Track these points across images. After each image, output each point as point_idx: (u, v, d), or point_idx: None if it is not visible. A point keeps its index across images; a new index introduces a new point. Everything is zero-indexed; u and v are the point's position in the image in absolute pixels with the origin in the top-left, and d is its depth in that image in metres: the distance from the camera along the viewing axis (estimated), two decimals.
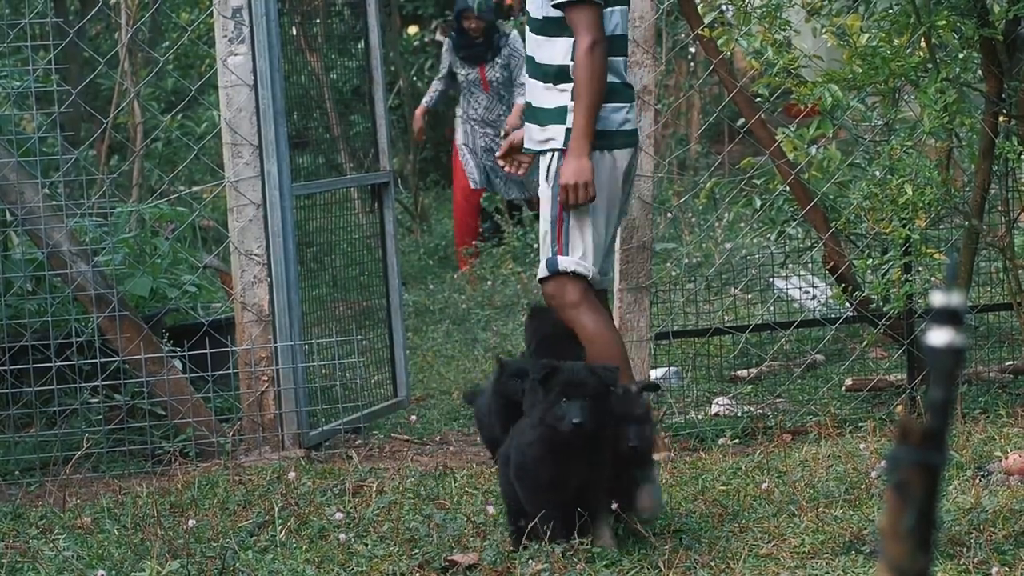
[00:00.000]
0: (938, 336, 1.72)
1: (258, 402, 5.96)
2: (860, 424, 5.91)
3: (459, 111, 11.69)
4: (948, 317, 1.72)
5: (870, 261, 6.21)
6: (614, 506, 4.41)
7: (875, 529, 4.28)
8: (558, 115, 5.39)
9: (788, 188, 6.58)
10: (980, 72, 5.89)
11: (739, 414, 6.27)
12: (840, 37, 6.48)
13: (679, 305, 7.00)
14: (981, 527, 4.29)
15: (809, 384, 6.65)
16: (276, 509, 4.82)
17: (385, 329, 6.82)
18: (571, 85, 5.35)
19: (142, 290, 6.63)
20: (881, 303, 6.28)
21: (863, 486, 4.80)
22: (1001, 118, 5.83)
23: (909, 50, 5.82)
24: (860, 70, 5.69)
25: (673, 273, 7.61)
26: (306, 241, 7.01)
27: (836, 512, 4.54)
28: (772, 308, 7.24)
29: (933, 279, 6.24)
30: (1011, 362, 6.62)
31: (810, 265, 7.76)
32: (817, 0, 6.55)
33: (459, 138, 11.63)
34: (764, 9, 6.28)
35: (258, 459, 5.83)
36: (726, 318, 7.08)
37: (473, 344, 8.74)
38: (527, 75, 5.57)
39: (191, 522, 4.66)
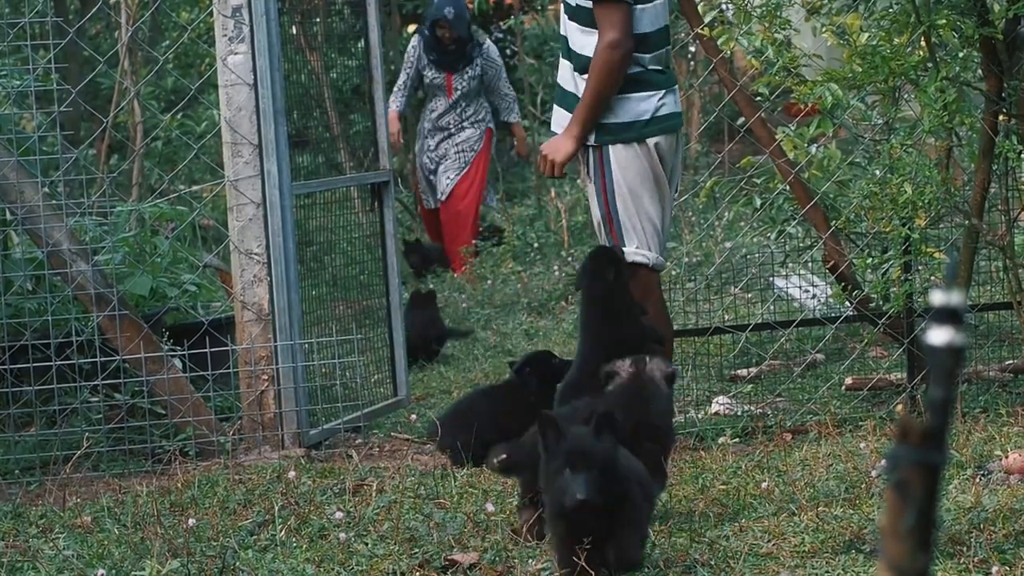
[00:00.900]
0: (938, 335, 1.72)
1: (258, 401, 5.96)
2: (860, 423, 5.91)
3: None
4: (948, 316, 1.72)
5: (870, 260, 6.21)
6: None
7: (875, 528, 4.28)
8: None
9: (788, 187, 6.58)
10: (980, 71, 5.89)
11: (739, 413, 6.26)
12: (840, 36, 6.48)
13: (679, 304, 7.01)
14: (981, 526, 4.28)
15: (809, 383, 6.64)
16: (276, 508, 4.82)
17: (385, 328, 6.82)
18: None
19: (142, 289, 6.63)
20: (881, 302, 6.28)
21: (863, 485, 4.80)
22: (1001, 117, 5.83)
23: (909, 49, 5.82)
24: (860, 69, 5.69)
25: (673, 272, 7.60)
26: (306, 240, 7.01)
27: (836, 511, 4.54)
28: (772, 307, 7.24)
29: (933, 278, 6.24)
30: (1011, 361, 6.62)
31: (810, 264, 7.76)
32: None
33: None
34: (764, 8, 6.28)
35: (258, 458, 5.83)
36: (726, 317, 7.08)
37: (473, 343, 8.74)
38: (561, 56, 5.62)
39: (191, 521, 4.66)
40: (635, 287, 5.46)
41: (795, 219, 6.87)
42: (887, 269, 6.11)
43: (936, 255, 6.10)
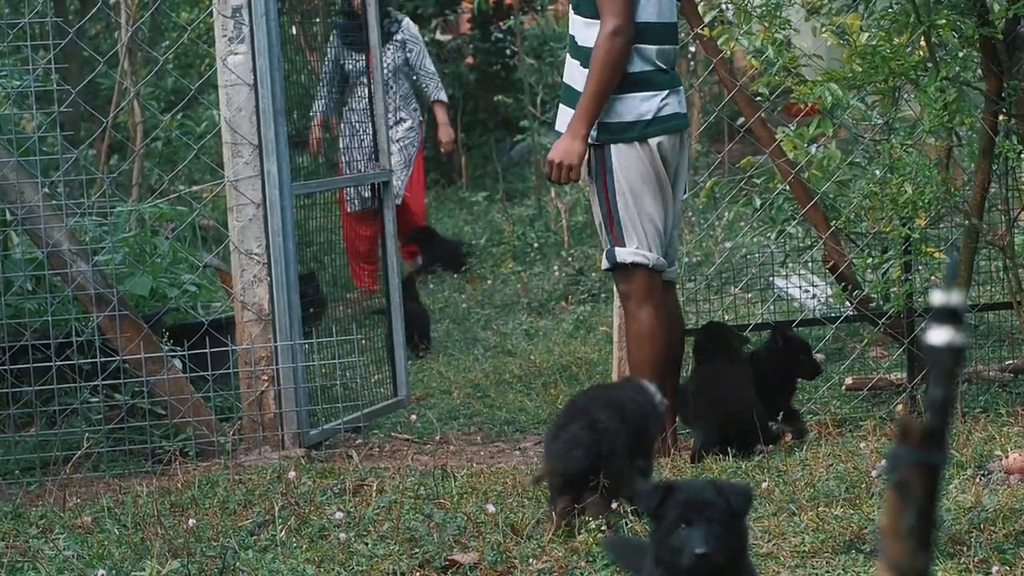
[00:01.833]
0: (938, 335, 1.72)
1: (258, 401, 5.96)
2: (860, 423, 5.91)
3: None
4: (948, 316, 1.72)
5: (870, 260, 6.21)
6: (614, 505, 4.41)
7: (875, 528, 4.28)
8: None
9: (788, 187, 6.58)
10: (980, 71, 5.89)
11: None
12: (840, 36, 6.48)
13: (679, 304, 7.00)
14: (981, 526, 4.28)
15: (809, 383, 6.65)
16: (276, 508, 4.82)
17: (385, 329, 6.82)
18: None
19: (142, 289, 6.63)
20: (881, 302, 6.28)
21: (863, 485, 4.80)
22: (1001, 117, 5.83)
23: (909, 49, 5.82)
24: (860, 69, 5.69)
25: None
26: (306, 240, 7.01)
27: (836, 511, 4.54)
28: (772, 307, 7.24)
29: (933, 278, 6.24)
30: (1011, 361, 6.62)
31: (810, 264, 7.76)
32: None
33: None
34: (764, 8, 6.28)
35: (258, 458, 5.83)
36: (726, 317, 7.07)
37: (473, 343, 8.74)
38: (568, 55, 5.56)
39: (191, 521, 4.66)
40: (635, 288, 5.46)
41: (795, 219, 6.87)
42: (887, 269, 6.12)
43: (936, 255, 6.10)
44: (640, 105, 5.42)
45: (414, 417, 6.62)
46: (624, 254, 5.45)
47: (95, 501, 5.24)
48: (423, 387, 7.54)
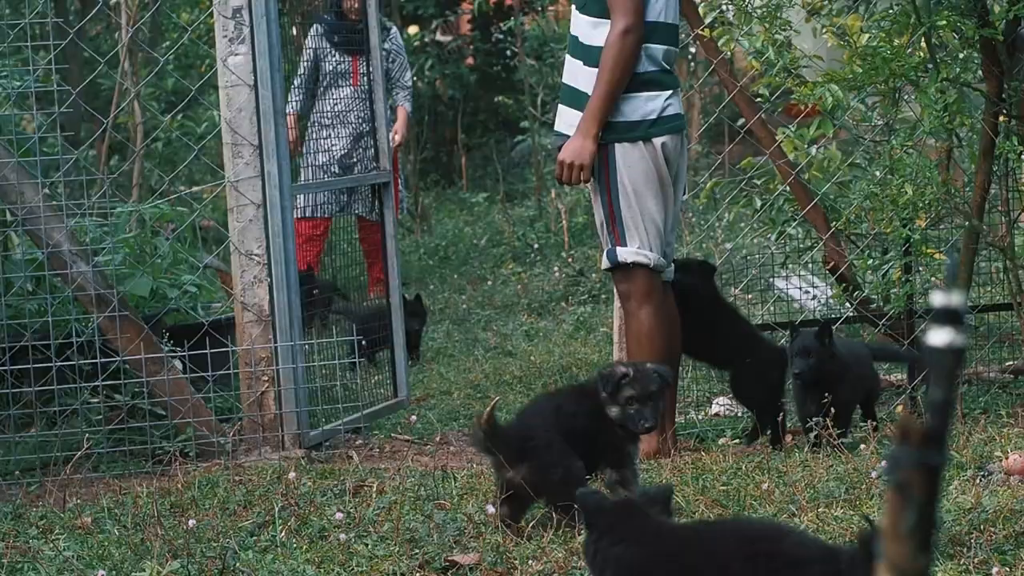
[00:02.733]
0: (938, 336, 1.72)
1: (258, 402, 5.96)
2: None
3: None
4: (948, 317, 1.72)
5: (870, 261, 6.21)
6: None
7: (875, 526, 4.27)
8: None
9: (788, 188, 6.58)
10: (980, 72, 5.89)
11: (739, 414, 6.26)
12: (840, 37, 6.48)
13: None
14: (981, 527, 4.28)
15: None
16: (276, 509, 4.81)
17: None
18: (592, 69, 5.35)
19: (142, 290, 6.63)
20: (881, 303, 6.28)
21: (863, 486, 4.80)
22: (1001, 118, 5.83)
23: (909, 50, 5.82)
24: (860, 70, 5.70)
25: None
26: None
27: (836, 512, 4.54)
28: (772, 308, 7.24)
29: (933, 279, 6.24)
30: (1011, 362, 6.62)
31: (810, 265, 7.76)
32: (817, 0, 6.55)
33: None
34: (764, 9, 6.28)
35: (258, 459, 5.83)
36: None
37: (473, 344, 8.74)
38: (568, 55, 5.54)
39: (191, 522, 4.66)
40: (635, 288, 5.45)
41: (795, 220, 6.87)
42: (887, 270, 6.12)
43: (936, 256, 6.10)
44: (645, 105, 5.41)
45: (414, 418, 6.62)
46: (625, 254, 5.44)
47: (95, 502, 5.24)
48: (423, 388, 7.54)
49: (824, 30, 6.70)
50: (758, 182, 7.11)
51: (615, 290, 5.75)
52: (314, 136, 8.86)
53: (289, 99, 6.43)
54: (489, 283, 10.67)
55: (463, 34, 16.98)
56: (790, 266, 7.73)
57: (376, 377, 6.88)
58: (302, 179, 7.80)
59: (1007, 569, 3.99)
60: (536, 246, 11.56)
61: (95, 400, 6.02)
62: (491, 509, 4.59)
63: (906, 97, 6.44)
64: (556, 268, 10.77)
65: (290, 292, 5.96)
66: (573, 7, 5.56)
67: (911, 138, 5.81)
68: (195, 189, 10.51)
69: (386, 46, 9.06)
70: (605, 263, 5.54)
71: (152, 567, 4.15)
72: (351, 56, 8.95)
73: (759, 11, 6.32)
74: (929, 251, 5.94)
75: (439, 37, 16.54)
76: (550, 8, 16.30)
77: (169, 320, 6.73)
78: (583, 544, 3.33)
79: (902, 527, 1.70)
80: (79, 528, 4.89)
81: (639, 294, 5.44)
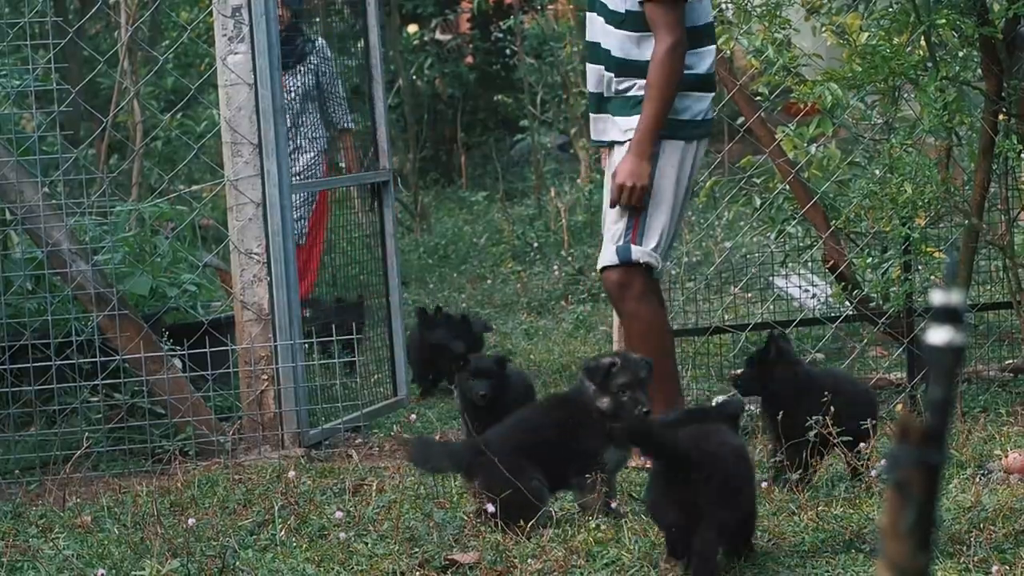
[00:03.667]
0: (938, 335, 1.72)
1: (258, 401, 5.96)
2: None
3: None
4: (948, 316, 1.72)
5: (870, 260, 6.22)
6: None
7: (875, 528, 4.28)
8: (620, 107, 5.33)
9: (788, 187, 6.58)
10: (980, 71, 5.89)
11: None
12: (840, 35, 6.48)
13: (679, 304, 7.00)
14: (981, 525, 4.28)
15: None
16: (276, 508, 4.81)
17: (385, 328, 6.82)
18: (637, 80, 5.27)
19: (142, 289, 6.63)
20: (881, 301, 6.28)
21: (863, 485, 4.80)
22: (1001, 116, 5.83)
23: (909, 49, 5.82)
24: (860, 69, 5.69)
25: (673, 272, 7.60)
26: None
27: (836, 511, 4.54)
28: (772, 307, 7.24)
29: (933, 277, 6.24)
30: (1011, 360, 6.62)
31: (810, 264, 7.76)
32: None
33: None
34: (764, 7, 6.28)
35: (258, 458, 5.83)
36: (726, 317, 7.07)
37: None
38: (588, 64, 5.47)
39: (191, 521, 4.66)
40: (635, 287, 5.42)
41: (795, 219, 6.87)
42: (887, 269, 6.12)
43: (936, 254, 6.11)
44: (694, 105, 5.33)
45: (414, 416, 6.62)
46: (639, 253, 5.34)
47: (95, 500, 5.24)
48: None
49: (823, 28, 6.70)
50: (758, 181, 7.11)
51: (604, 287, 5.66)
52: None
53: None
54: (489, 282, 10.67)
55: (463, 33, 16.99)
56: (790, 265, 7.73)
57: (376, 376, 6.88)
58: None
59: (1007, 567, 3.99)
60: (536, 245, 11.56)
61: (95, 399, 6.02)
62: (491, 508, 4.59)
63: (905, 96, 6.44)
64: (556, 267, 10.77)
65: (289, 291, 5.96)
66: (596, 17, 5.40)
67: (911, 137, 5.81)
68: (195, 188, 10.51)
69: (313, 60, 8.55)
70: (611, 260, 5.41)
71: (152, 566, 4.15)
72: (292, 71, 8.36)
73: (758, 9, 6.32)
74: (929, 250, 5.94)
75: (439, 36, 16.54)
76: (550, 7, 16.30)
77: (169, 319, 6.73)
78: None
79: (902, 526, 1.70)
80: (79, 527, 4.89)
81: (639, 291, 5.40)
